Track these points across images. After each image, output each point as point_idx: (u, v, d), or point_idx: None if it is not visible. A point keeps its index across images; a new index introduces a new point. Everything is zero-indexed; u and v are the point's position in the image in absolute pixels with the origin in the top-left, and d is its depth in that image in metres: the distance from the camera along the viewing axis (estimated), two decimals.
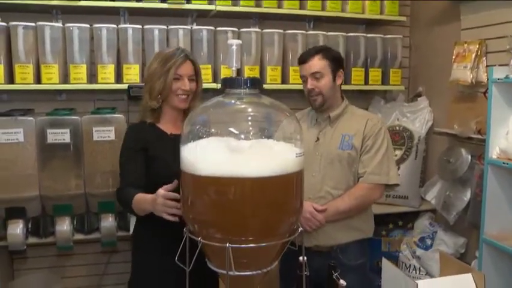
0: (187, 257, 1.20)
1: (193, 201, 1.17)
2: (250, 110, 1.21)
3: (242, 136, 1.14)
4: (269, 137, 1.18)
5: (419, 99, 3.11)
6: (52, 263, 2.87)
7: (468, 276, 1.27)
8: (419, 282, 1.16)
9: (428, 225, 2.88)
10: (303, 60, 1.98)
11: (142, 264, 1.91)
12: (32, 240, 2.48)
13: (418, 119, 3.03)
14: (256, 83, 1.20)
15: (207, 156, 1.13)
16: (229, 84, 1.20)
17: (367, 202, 1.99)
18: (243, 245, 1.11)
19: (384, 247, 3.00)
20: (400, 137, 3.00)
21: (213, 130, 1.18)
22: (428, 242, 2.83)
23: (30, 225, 2.46)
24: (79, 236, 2.53)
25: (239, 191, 1.10)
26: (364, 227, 2.03)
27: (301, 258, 1.50)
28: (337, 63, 2.00)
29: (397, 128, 3.03)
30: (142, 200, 1.71)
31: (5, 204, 2.36)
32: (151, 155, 1.82)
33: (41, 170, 2.38)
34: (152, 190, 1.81)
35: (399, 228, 3.04)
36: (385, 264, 1.35)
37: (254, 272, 1.18)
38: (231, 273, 1.14)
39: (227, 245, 1.09)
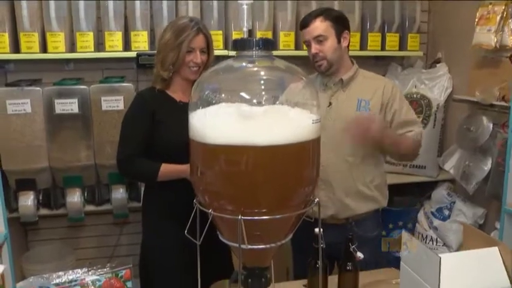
0: (198, 229, 1.15)
1: (203, 172, 1.10)
2: (262, 73, 1.12)
3: (254, 101, 1.06)
4: (283, 102, 1.10)
5: (438, 65, 2.99)
6: (65, 235, 2.88)
7: (494, 250, 1.20)
8: (443, 256, 1.09)
9: (446, 195, 2.81)
10: (304, 24, 1.87)
11: (154, 232, 1.90)
12: (44, 211, 2.47)
13: (436, 86, 2.92)
14: (269, 44, 1.12)
15: (217, 123, 1.06)
16: (240, 45, 1.12)
17: (411, 155, 1.97)
18: (255, 218, 1.05)
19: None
20: (417, 104, 2.90)
21: (223, 95, 1.10)
22: (446, 212, 2.76)
23: (41, 197, 2.45)
24: (90, 208, 2.52)
25: (251, 160, 1.03)
26: (379, 197, 1.96)
27: (316, 230, 1.45)
28: (341, 23, 1.88)
29: (415, 95, 2.92)
30: (174, 171, 1.76)
31: (15, 176, 2.34)
32: (158, 120, 1.81)
33: (50, 141, 2.35)
34: (157, 156, 1.79)
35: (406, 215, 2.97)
36: (406, 236, 1.28)
37: (268, 246, 1.12)
38: (243, 246, 1.09)
39: (239, 217, 1.03)
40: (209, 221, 1.09)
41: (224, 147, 1.04)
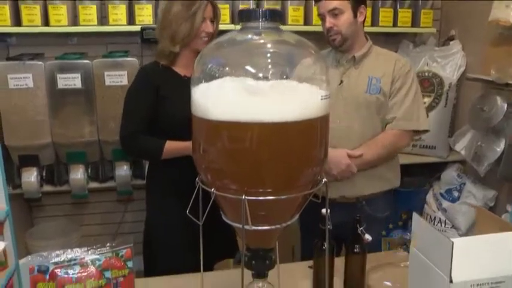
0: (201, 209, 1.10)
1: (205, 149, 1.05)
2: (269, 45, 1.06)
3: (260, 75, 1.00)
4: (291, 77, 1.04)
5: (451, 43, 2.89)
6: (69, 211, 2.87)
7: (509, 235, 1.14)
8: (455, 240, 1.04)
9: (456, 176, 2.75)
10: None
11: (158, 210, 1.88)
12: (47, 188, 2.45)
13: (449, 64, 2.83)
14: (276, 16, 1.05)
15: (221, 98, 1.01)
16: (245, 16, 1.05)
17: (395, 150, 1.85)
18: (260, 198, 1.00)
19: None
20: (429, 83, 2.82)
21: (227, 69, 1.04)
22: (456, 194, 2.71)
23: (44, 173, 2.42)
24: (94, 185, 2.49)
25: (257, 137, 0.98)
26: (391, 176, 1.91)
27: (324, 210, 1.40)
28: None
29: (427, 74, 2.84)
30: (179, 148, 1.72)
31: (17, 152, 2.31)
32: (162, 95, 1.76)
33: (53, 117, 2.31)
34: (161, 133, 1.75)
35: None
36: (416, 219, 1.23)
37: (272, 227, 1.08)
38: (247, 227, 1.04)
39: (243, 197, 0.99)
40: (211, 201, 1.05)
41: (227, 123, 0.99)
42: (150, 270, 1.92)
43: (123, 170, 2.41)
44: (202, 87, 1.05)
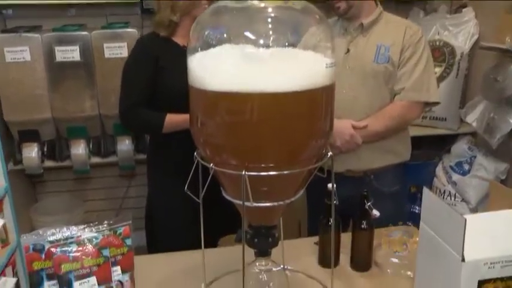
0: (200, 185, 1.05)
1: (203, 122, 0.99)
2: (270, 10, 0.98)
3: (261, 42, 0.93)
4: (294, 44, 0.97)
5: (463, 10, 2.77)
6: (72, 187, 2.84)
7: None
8: (468, 217, 0.98)
9: (467, 149, 2.67)
10: None
11: (159, 189, 1.84)
12: (49, 163, 2.41)
13: (461, 32, 2.71)
14: None
15: (219, 67, 0.94)
16: None
17: (403, 123, 1.77)
18: (261, 173, 0.95)
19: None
20: (440, 52, 2.71)
21: (225, 36, 0.97)
22: (466, 167, 2.64)
23: (45, 149, 2.38)
24: (96, 160, 2.45)
25: (257, 109, 0.92)
26: (401, 149, 1.82)
27: (330, 185, 1.35)
28: None
29: (438, 43, 2.73)
30: (181, 120, 1.65)
31: (17, 127, 2.27)
32: (161, 66, 1.70)
33: (52, 91, 2.25)
34: (161, 106, 1.69)
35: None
36: (426, 194, 1.17)
37: (275, 204, 1.03)
38: (248, 204, 0.99)
39: (243, 172, 0.93)
40: (210, 176, 1.00)
41: (226, 94, 0.92)
42: (153, 245, 1.89)
43: (125, 145, 2.36)
44: (199, 56, 0.98)
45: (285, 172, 0.97)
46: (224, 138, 0.97)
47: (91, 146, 2.42)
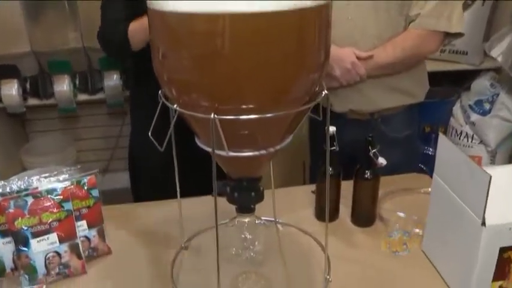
0: (172, 134, 0.88)
1: (165, 54, 0.79)
2: None
3: None
4: None
5: None
6: (64, 125, 2.70)
7: None
8: (494, 172, 0.79)
9: (489, 86, 2.43)
10: None
11: (141, 124, 1.68)
12: (33, 102, 2.24)
13: None
14: None
15: None
16: None
17: (417, 56, 1.51)
18: (238, 117, 0.76)
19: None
20: None
21: None
22: (487, 106, 2.41)
23: (28, 86, 2.20)
24: (83, 97, 2.28)
25: (231, 35, 0.71)
26: (415, 88, 1.58)
27: (331, 129, 1.16)
28: None
29: None
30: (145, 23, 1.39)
31: None
32: None
33: (30, 22, 2.04)
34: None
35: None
36: (443, 141, 0.98)
37: (256, 153, 0.84)
38: (223, 153, 0.82)
39: (212, 115, 0.74)
40: (174, 119, 0.82)
41: (190, 15, 0.72)
42: (136, 188, 1.77)
43: (112, 80, 2.18)
44: None
45: (268, 115, 0.77)
46: (190, 74, 0.77)
47: (77, 82, 2.24)
